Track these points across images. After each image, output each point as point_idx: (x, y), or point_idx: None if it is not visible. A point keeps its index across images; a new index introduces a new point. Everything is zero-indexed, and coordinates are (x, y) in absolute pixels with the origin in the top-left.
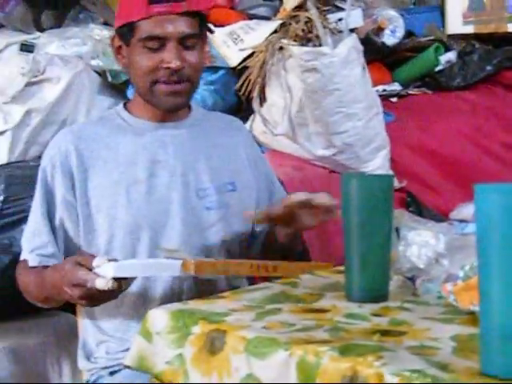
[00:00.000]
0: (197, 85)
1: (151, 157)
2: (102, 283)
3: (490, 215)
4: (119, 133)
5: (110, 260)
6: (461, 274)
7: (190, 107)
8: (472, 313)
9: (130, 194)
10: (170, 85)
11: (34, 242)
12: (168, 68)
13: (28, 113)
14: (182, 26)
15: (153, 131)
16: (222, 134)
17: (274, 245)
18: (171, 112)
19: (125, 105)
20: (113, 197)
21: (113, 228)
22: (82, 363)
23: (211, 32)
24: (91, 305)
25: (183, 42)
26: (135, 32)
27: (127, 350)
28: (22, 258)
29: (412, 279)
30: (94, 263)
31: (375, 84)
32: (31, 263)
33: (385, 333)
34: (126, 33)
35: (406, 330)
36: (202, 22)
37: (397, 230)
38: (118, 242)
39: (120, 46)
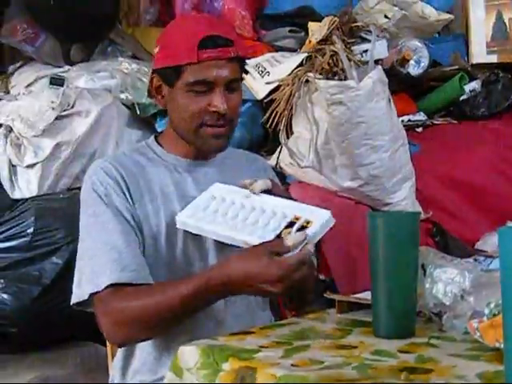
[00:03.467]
0: (236, 125)
1: (184, 192)
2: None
3: None
4: (153, 165)
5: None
6: (486, 311)
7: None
8: (498, 349)
9: (169, 227)
10: (215, 128)
11: (127, 260)
12: (215, 112)
13: (58, 146)
14: (229, 71)
15: (185, 167)
16: (248, 173)
17: None
18: (213, 153)
19: (155, 138)
20: (155, 227)
21: (153, 257)
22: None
23: (247, 73)
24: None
25: (229, 85)
26: (182, 76)
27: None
28: (108, 280)
29: (438, 315)
30: (290, 242)
31: (400, 114)
32: (136, 281)
33: (412, 370)
34: (170, 74)
35: (432, 368)
36: (243, 66)
37: (423, 266)
38: (156, 270)
39: (160, 86)
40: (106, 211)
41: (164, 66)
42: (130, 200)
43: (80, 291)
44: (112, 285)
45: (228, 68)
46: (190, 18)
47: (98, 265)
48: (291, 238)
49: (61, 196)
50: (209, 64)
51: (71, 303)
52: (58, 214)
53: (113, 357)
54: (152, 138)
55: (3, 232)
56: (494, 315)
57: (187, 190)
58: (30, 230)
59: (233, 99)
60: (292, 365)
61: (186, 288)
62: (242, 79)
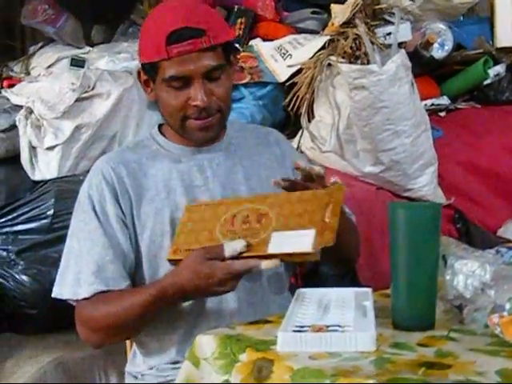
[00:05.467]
0: (228, 111)
1: (190, 182)
2: (270, 264)
3: None
4: (156, 159)
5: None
6: (507, 306)
7: (224, 126)
8: None
9: (174, 221)
10: (200, 120)
11: (105, 272)
12: (195, 106)
13: (78, 128)
14: (205, 61)
15: (189, 156)
16: (259, 150)
17: None
18: (207, 144)
19: (160, 127)
20: (158, 225)
21: (158, 257)
22: (129, 379)
23: (238, 52)
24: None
25: (208, 75)
26: (158, 71)
27: (175, 365)
28: (86, 293)
29: (459, 307)
30: (228, 253)
31: (423, 98)
32: (118, 287)
33: (430, 366)
34: (149, 70)
35: (451, 363)
36: (226, 50)
37: (443, 257)
38: (163, 270)
39: (147, 80)
40: (94, 220)
41: (143, 62)
42: (125, 206)
43: (60, 291)
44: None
45: (203, 58)
46: (160, 10)
47: (80, 273)
48: (227, 246)
49: (81, 178)
50: (181, 59)
51: (52, 295)
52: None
53: (131, 340)
54: (156, 127)
55: (23, 214)
56: None
57: (192, 180)
58: (50, 212)
59: (217, 88)
60: (309, 357)
61: (141, 298)
62: (231, 63)
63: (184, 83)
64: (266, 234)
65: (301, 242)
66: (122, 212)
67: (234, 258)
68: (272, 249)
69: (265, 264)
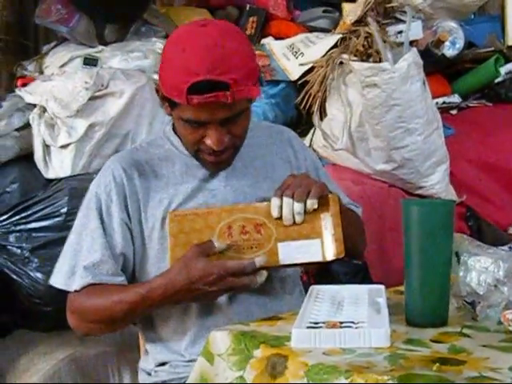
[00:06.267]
0: (243, 141)
1: (201, 185)
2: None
3: None
4: (168, 160)
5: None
6: None
7: None
8: None
9: None
10: (212, 156)
11: (101, 267)
12: (210, 147)
13: (91, 126)
14: (224, 112)
15: None
16: (272, 149)
17: None
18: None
19: (173, 125)
20: (166, 228)
21: (167, 260)
22: (142, 376)
23: (262, 85)
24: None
25: (226, 121)
26: (176, 107)
27: (187, 362)
28: (77, 286)
29: (472, 304)
30: (216, 244)
31: (435, 96)
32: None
33: (444, 361)
34: (169, 100)
35: (465, 359)
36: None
37: (457, 254)
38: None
39: (165, 97)
40: (97, 219)
41: (162, 93)
42: (132, 208)
43: (56, 280)
44: None
45: (222, 110)
46: (187, 48)
47: (76, 266)
48: (217, 243)
49: (94, 176)
50: (200, 107)
51: (49, 282)
52: None
53: (143, 333)
54: (170, 126)
55: (37, 211)
56: None
57: (203, 184)
58: (64, 210)
59: (234, 127)
60: (323, 353)
61: (130, 295)
62: (252, 101)
63: (201, 124)
64: (270, 244)
65: (310, 251)
66: (128, 215)
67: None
68: (284, 260)
69: (260, 279)
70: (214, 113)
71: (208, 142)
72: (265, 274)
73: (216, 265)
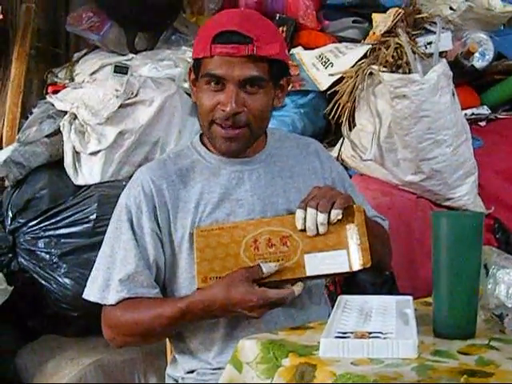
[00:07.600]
0: (259, 131)
1: (229, 195)
2: (299, 288)
3: None
4: (196, 170)
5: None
6: None
7: (265, 134)
8: None
9: None
10: (224, 129)
11: (136, 279)
12: (223, 110)
13: (121, 134)
14: (244, 70)
15: (229, 167)
16: (299, 160)
17: None
18: (231, 156)
19: (201, 136)
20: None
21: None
22: (169, 382)
23: (290, 77)
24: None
25: (244, 85)
26: (200, 68)
27: (215, 371)
28: (112, 300)
29: (500, 316)
30: (265, 270)
31: (464, 107)
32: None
33: (472, 374)
34: (195, 66)
35: (492, 371)
36: (274, 67)
37: (485, 266)
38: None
39: (194, 79)
40: (129, 231)
41: (192, 58)
42: (162, 219)
43: (90, 292)
44: None
45: (243, 66)
46: (220, 13)
47: (110, 280)
48: (265, 267)
49: (123, 183)
50: (222, 60)
51: (83, 296)
52: None
53: (171, 342)
54: (197, 136)
55: (66, 218)
56: None
57: (231, 194)
58: (93, 217)
59: (252, 101)
60: (351, 363)
61: (169, 309)
62: (273, 81)
63: (221, 86)
64: (297, 256)
65: (337, 262)
66: (158, 226)
67: (271, 284)
68: (310, 271)
69: (298, 291)
70: (234, 69)
71: (223, 105)
72: (301, 285)
73: (257, 292)
